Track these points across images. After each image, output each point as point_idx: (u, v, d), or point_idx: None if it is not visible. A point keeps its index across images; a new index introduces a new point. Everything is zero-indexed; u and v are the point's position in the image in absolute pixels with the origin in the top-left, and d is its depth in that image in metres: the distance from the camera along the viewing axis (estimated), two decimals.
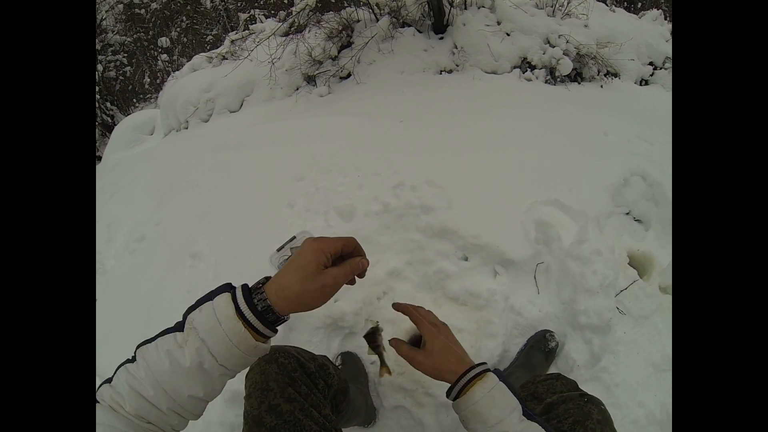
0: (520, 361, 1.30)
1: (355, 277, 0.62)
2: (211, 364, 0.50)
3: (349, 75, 3.03)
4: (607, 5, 6.41)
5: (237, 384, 0.74)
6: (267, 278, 0.56)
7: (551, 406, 0.77)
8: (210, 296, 0.54)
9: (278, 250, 1.43)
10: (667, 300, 1.50)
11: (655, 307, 1.45)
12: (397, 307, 0.79)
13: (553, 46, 2.96)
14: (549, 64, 2.88)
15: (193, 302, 0.55)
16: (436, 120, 2.10)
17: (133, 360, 0.52)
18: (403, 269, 1.48)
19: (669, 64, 3.59)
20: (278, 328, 0.55)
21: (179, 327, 0.53)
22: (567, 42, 2.99)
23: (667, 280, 1.52)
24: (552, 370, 1.34)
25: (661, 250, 1.59)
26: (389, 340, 0.74)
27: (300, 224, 1.64)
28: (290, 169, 1.94)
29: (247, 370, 0.79)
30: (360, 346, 1.35)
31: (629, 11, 6.98)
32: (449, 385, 0.66)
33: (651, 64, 3.44)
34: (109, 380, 0.52)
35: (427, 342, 0.69)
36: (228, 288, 0.54)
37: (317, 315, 1.37)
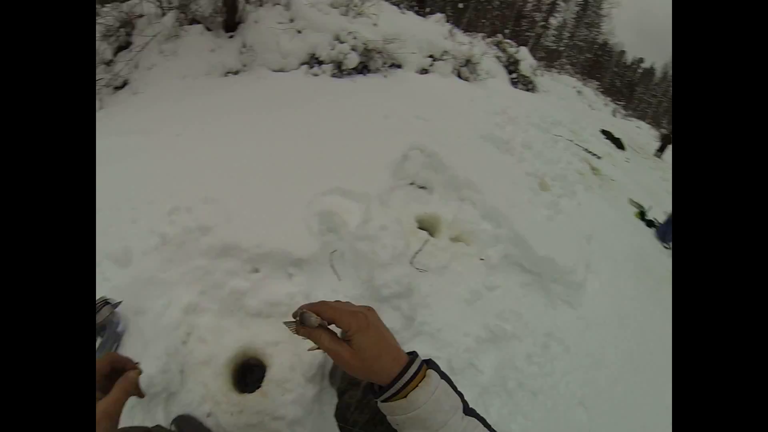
0: None
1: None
2: None
3: (124, 84, 2.58)
4: (399, 8, 7.23)
5: None
6: None
7: None
8: None
9: None
10: (460, 247, 1.71)
11: (450, 256, 1.64)
12: (300, 313, 0.52)
13: (342, 42, 3.10)
14: (337, 58, 3.00)
15: None
16: (214, 129, 1.93)
17: None
18: (199, 301, 1.31)
19: (447, 56, 4.21)
20: None
21: None
22: (355, 38, 3.18)
23: (455, 231, 1.73)
24: None
25: (445, 208, 1.80)
26: (297, 329, 0.51)
27: None
28: None
29: None
30: (188, 404, 1.17)
31: (419, 15, 8.03)
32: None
33: (431, 56, 3.97)
34: None
35: (353, 338, 0.49)
36: None
37: None
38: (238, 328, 1.32)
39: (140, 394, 0.55)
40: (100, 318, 1.11)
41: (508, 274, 1.79)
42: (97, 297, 1.16)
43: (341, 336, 0.51)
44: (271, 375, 1.24)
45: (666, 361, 2.09)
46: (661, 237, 3.84)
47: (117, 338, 1.16)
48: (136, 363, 0.56)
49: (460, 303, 1.52)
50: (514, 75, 7.97)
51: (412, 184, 1.81)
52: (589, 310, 1.99)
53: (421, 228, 1.66)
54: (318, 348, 0.52)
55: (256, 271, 1.35)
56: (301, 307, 0.52)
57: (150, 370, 1.14)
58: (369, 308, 0.53)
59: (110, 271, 1.31)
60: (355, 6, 3.94)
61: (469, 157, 2.12)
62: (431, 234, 1.65)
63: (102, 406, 0.48)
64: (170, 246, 1.36)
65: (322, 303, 0.52)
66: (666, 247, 3.78)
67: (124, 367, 0.53)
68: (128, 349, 1.17)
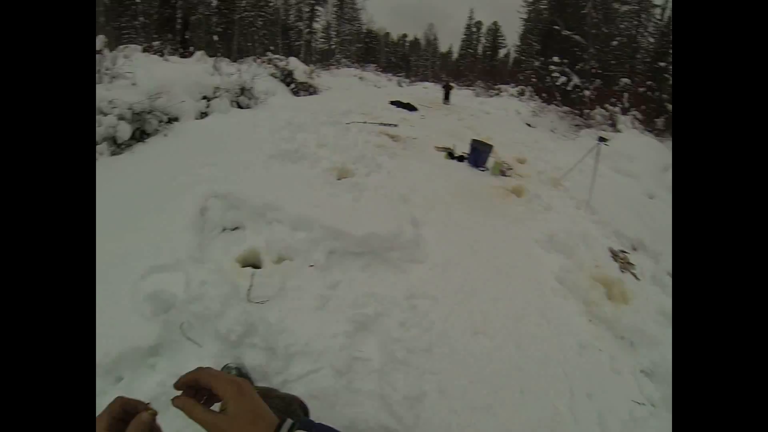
0: None
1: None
2: None
3: None
4: (162, 56, 6.74)
5: None
6: None
7: None
8: None
9: None
10: (286, 264, 1.80)
11: (280, 277, 1.72)
12: (179, 385, 0.54)
13: (106, 115, 2.82)
14: (108, 134, 2.73)
15: None
16: None
17: None
18: None
19: (219, 92, 4.21)
20: None
21: None
22: (115, 107, 2.92)
23: (274, 254, 1.84)
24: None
25: (258, 238, 1.89)
26: (172, 400, 0.52)
27: None
28: None
29: None
30: None
31: (184, 57, 7.63)
32: None
33: (205, 97, 3.92)
34: None
35: (230, 404, 0.50)
36: None
37: None
38: None
39: None
40: None
41: (344, 266, 1.89)
42: None
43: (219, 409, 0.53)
44: None
45: (527, 259, 2.48)
46: (474, 164, 4.45)
47: None
48: (148, 403, 0.53)
49: (312, 312, 1.59)
50: (292, 85, 8.45)
51: (224, 230, 1.87)
52: (437, 256, 2.21)
53: (248, 266, 1.74)
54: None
55: (120, 379, 1.29)
56: (180, 378, 0.54)
57: None
58: (243, 380, 0.55)
59: None
60: (108, 70, 3.59)
61: (262, 182, 2.23)
62: (257, 267, 1.73)
63: None
64: None
65: (200, 369, 0.54)
66: (482, 170, 4.38)
67: (136, 409, 0.51)
68: None
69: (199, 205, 1.85)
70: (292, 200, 2.07)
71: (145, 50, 6.51)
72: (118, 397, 0.53)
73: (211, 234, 1.78)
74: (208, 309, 1.41)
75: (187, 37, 14.21)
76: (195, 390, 0.54)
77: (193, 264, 1.55)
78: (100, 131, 2.77)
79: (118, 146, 2.78)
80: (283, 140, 2.94)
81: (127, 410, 0.52)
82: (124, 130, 2.82)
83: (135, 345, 1.33)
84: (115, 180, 2.20)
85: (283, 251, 1.83)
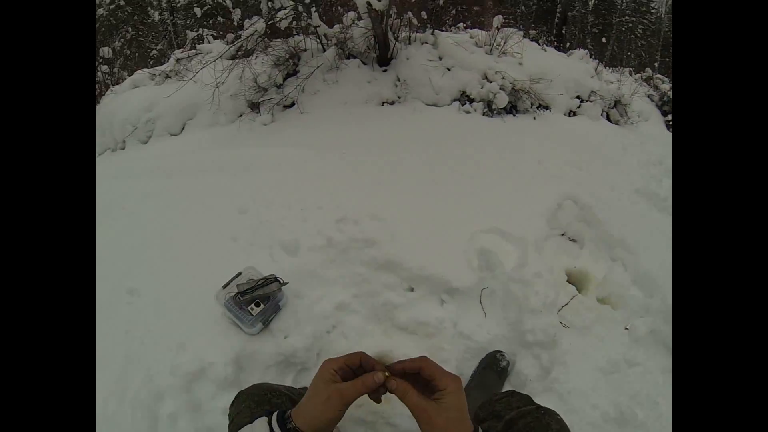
0: (475, 383, 1.32)
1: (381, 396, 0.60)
2: None
3: (293, 104, 3.02)
4: (539, 44, 7.08)
5: None
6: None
7: (511, 422, 0.79)
8: (251, 420, 0.61)
9: (224, 287, 1.36)
10: (606, 310, 1.61)
11: (594, 317, 1.56)
12: (395, 369, 0.60)
13: (491, 81, 3.17)
14: (486, 97, 3.08)
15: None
16: (377, 153, 2.15)
17: None
18: (351, 302, 1.48)
19: (594, 97, 3.98)
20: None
21: None
22: (503, 78, 3.23)
23: (603, 292, 1.64)
24: (506, 387, 1.37)
25: (595, 266, 1.71)
26: (387, 381, 0.57)
27: (245, 259, 1.58)
28: (233, 200, 1.87)
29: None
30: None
31: (559, 50, 7.74)
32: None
33: (578, 97, 3.79)
34: None
35: (448, 397, 0.53)
36: (267, 413, 0.60)
37: (268, 353, 1.31)
38: (381, 335, 1.45)
39: (377, 399, 0.59)
40: (268, 290, 1.31)
41: (652, 354, 1.57)
42: (268, 273, 1.38)
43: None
44: None
45: None
46: None
47: (276, 309, 1.36)
48: (385, 367, 0.59)
49: (595, 371, 1.43)
50: (669, 117, 7.07)
51: (563, 235, 1.78)
52: None
53: (569, 282, 1.61)
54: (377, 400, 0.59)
55: (412, 290, 1.48)
56: (399, 362, 0.58)
57: (296, 344, 1.32)
58: (460, 378, 0.57)
59: (279, 255, 1.55)
60: (499, 45, 4.01)
61: (623, 213, 1.98)
62: (578, 290, 1.60)
63: (341, 386, 0.55)
64: (335, 249, 1.55)
65: (425, 359, 0.57)
66: None
67: (373, 367, 0.59)
68: (283, 321, 1.36)
69: (557, 200, 1.80)
70: (647, 253, 1.76)
71: (524, 36, 6.89)
72: (361, 352, 0.60)
73: (552, 231, 1.72)
74: (526, 299, 1.39)
75: (563, 31, 14.30)
76: (402, 374, 0.57)
77: (533, 250, 1.55)
78: (482, 93, 3.13)
79: (490, 110, 3.08)
80: (653, 179, 2.52)
81: (364, 366, 0.59)
82: (502, 99, 3.07)
83: (445, 278, 1.46)
84: (493, 138, 2.43)
85: (612, 295, 1.61)
